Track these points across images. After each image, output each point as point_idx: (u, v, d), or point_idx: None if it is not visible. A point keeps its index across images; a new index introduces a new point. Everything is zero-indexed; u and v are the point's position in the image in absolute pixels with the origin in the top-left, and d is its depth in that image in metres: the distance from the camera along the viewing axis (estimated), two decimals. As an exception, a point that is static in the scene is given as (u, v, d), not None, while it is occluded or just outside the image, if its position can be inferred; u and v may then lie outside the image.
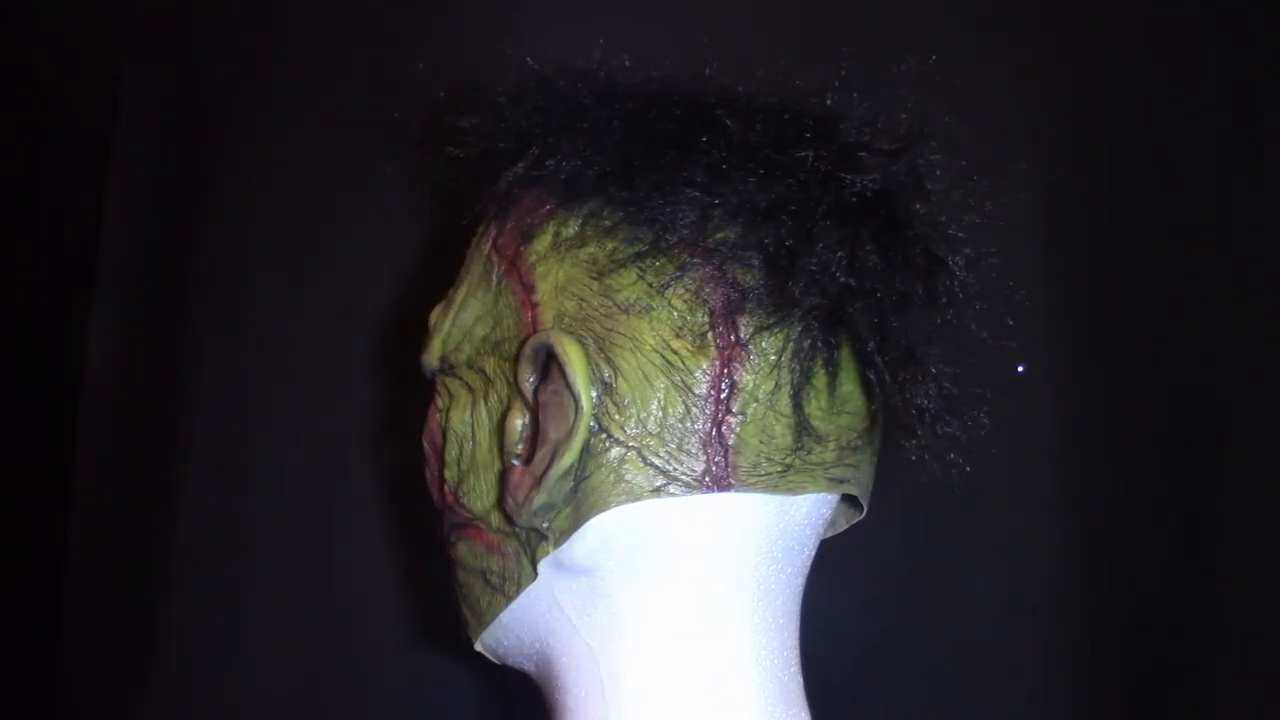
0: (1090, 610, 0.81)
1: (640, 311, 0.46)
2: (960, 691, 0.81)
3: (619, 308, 0.46)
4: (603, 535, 0.47)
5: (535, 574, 0.48)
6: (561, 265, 0.48)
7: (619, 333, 0.46)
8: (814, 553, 0.52)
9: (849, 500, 0.55)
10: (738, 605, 0.48)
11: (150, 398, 0.85)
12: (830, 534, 0.60)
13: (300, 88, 0.83)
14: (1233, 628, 0.77)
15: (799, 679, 0.50)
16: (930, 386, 0.47)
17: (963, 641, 0.81)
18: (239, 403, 0.83)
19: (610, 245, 0.47)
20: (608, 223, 0.47)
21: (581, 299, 0.47)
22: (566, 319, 0.47)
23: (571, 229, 0.48)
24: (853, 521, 0.58)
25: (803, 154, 0.45)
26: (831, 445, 0.48)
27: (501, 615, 0.51)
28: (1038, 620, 0.81)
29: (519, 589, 0.49)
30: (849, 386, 0.48)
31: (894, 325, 0.46)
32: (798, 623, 0.51)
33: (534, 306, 0.48)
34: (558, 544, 0.47)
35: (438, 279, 0.81)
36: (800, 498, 0.48)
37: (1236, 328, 0.78)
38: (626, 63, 0.51)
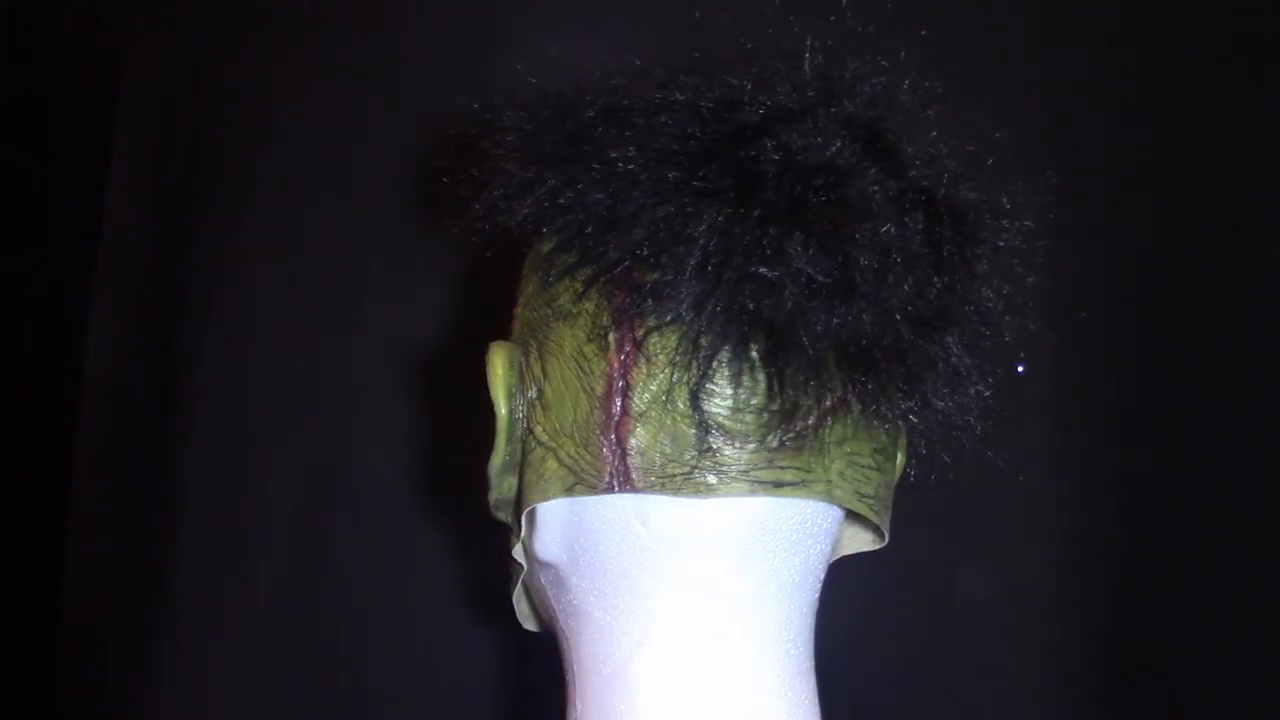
0: (1090, 610, 0.81)
1: (566, 317, 0.48)
2: (960, 691, 0.82)
3: (555, 315, 0.48)
4: (548, 531, 0.50)
5: (519, 563, 0.51)
6: (533, 279, 0.50)
7: (551, 339, 0.48)
8: (800, 561, 0.49)
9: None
10: (681, 609, 0.47)
11: (150, 398, 0.85)
12: (856, 550, 0.56)
13: (300, 88, 0.83)
14: (1233, 627, 0.77)
15: (778, 692, 0.47)
16: (870, 385, 0.44)
17: (963, 641, 0.81)
18: (239, 403, 0.83)
19: (560, 257, 0.48)
20: (565, 237, 0.48)
21: (535, 309, 0.49)
22: (525, 328, 0.50)
23: (547, 245, 0.50)
24: (883, 537, 0.53)
25: (686, 143, 0.44)
26: (752, 446, 0.46)
27: (523, 596, 0.55)
28: (1038, 620, 0.81)
29: (519, 576, 0.53)
30: (764, 383, 0.45)
31: (809, 320, 0.43)
32: (782, 633, 0.48)
33: (514, 318, 0.51)
34: (518, 537, 0.50)
35: (437, 279, 0.81)
36: (732, 500, 0.46)
37: (1237, 327, 0.78)
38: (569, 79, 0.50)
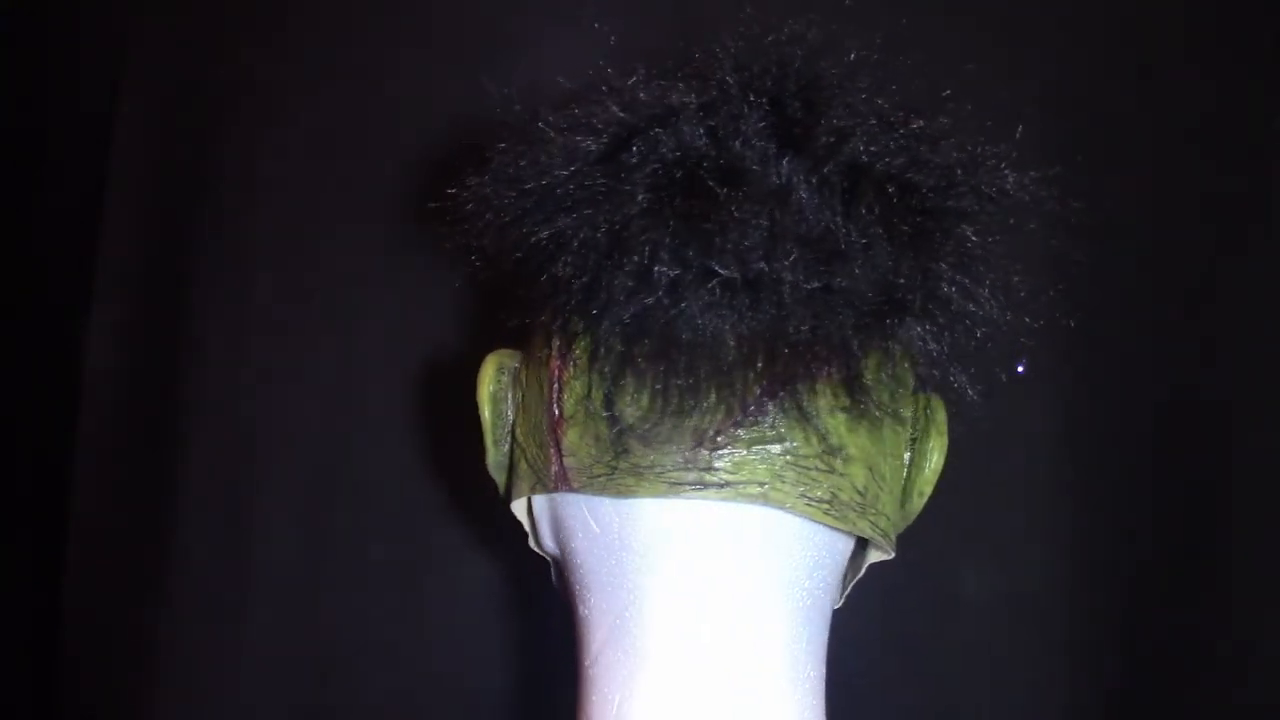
0: (1090, 610, 0.81)
1: (539, 325, 0.49)
2: (960, 691, 0.81)
3: (536, 324, 0.50)
4: (541, 526, 0.52)
5: (540, 555, 0.54)
6: None
7: (531, 346, 0.51)
8: (768, 565, 0.47)
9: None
10: (642, 605, 0.47)
11: (150, 398, 0.85)
12: (880, 559, 0.54)
13: (300, 88, 0.83)
14: (1233, 627, 0.77)
15: (760, 697, 0.46)
16: (773, 384, 0.43)
17: (963, 641, 0.81)
18: (239, 403, 0.83)
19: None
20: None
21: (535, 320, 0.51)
22: (525, 336, 0.52)
23: None
24: (886, 547, 0.50)
25: (576, 153, 0.44)
26: (667, 447, 0.45)
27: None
28: (1038, 619, 0.81)
29: (552, 566, 0.55)
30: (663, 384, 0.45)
31: (696, 317, 0.42)
32: (757, 636, 0.47)
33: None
34: (527, 531, 0.53)
35: (438, 279, 0.81)
36: (668, 501, 0.46)
37: (1238, 327, 0.78)
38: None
